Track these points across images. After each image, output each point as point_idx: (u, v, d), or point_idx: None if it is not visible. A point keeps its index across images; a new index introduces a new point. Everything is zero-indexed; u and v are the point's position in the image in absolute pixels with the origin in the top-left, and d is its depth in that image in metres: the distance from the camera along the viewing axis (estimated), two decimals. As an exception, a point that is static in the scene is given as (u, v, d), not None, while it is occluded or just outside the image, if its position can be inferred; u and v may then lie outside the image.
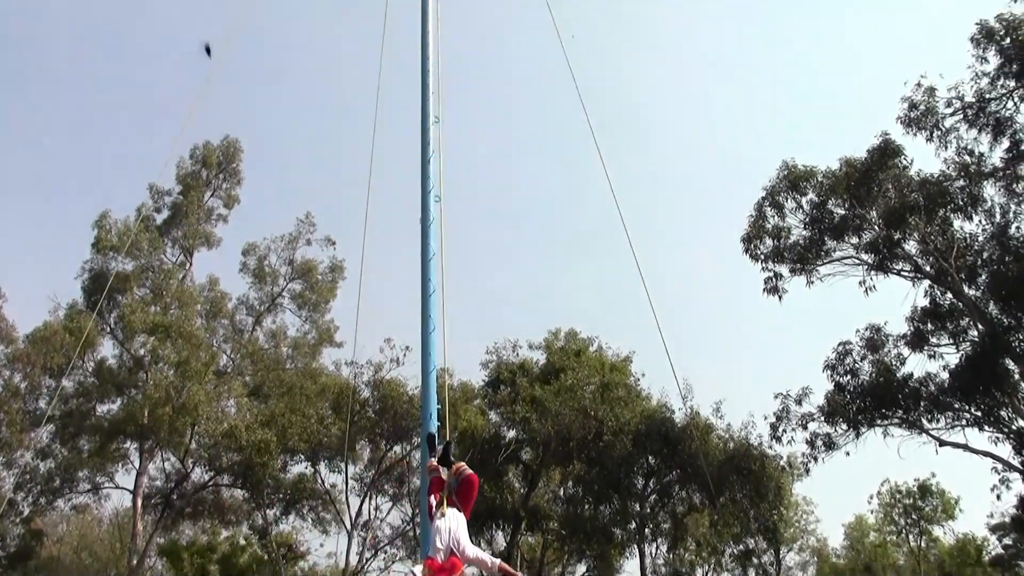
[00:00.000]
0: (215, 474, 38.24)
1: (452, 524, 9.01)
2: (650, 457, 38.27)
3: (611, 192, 13.31)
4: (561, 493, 42.31)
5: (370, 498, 38.60)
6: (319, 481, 38.47)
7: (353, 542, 37.16)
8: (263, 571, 38.77)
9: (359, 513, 37.78)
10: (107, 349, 39.06)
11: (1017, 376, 30.42)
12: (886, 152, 33.10)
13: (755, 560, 42.66)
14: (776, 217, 34.54)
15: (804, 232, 34.22)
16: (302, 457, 37.25)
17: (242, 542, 40.66)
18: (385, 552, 39.66)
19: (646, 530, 39.21)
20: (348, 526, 37.53)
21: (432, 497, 9.39)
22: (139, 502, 37.55)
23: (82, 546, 50.15)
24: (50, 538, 45.63)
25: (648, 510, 39.31)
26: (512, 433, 37.93)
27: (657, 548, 41.72)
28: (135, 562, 36.73)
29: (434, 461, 9.87)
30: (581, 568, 44.14)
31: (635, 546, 38.97)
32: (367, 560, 38.50)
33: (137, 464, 38.23)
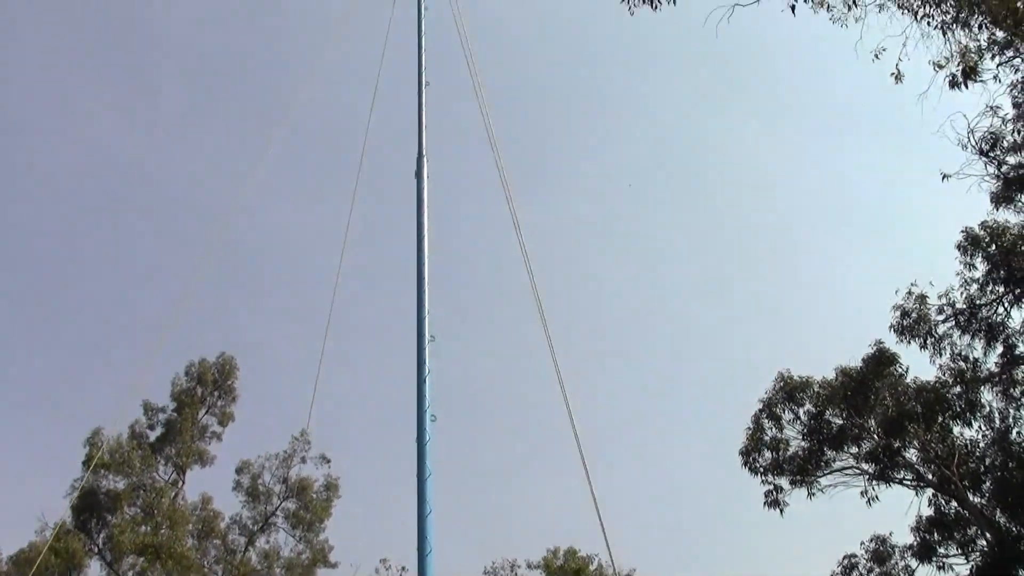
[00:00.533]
0: None
1: None
2: None
3: (569, 418, 13.19)
4: None
5: None
6: None
7: None
8: None
9: None
10: (94, 571, 38.10)
11: (1032, 588, 29.67)
12: (881, 361, 33.17)
13: None
14: (774, 429, 34.32)
15: (803, 443, 33.89)
16: None
17: None
18: None
19: None
20: None
21: None
22: None
23: None
24: None
25: None
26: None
27: None
28: None
29: None
30: None
31: None
32: None
33: None
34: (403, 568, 35.38)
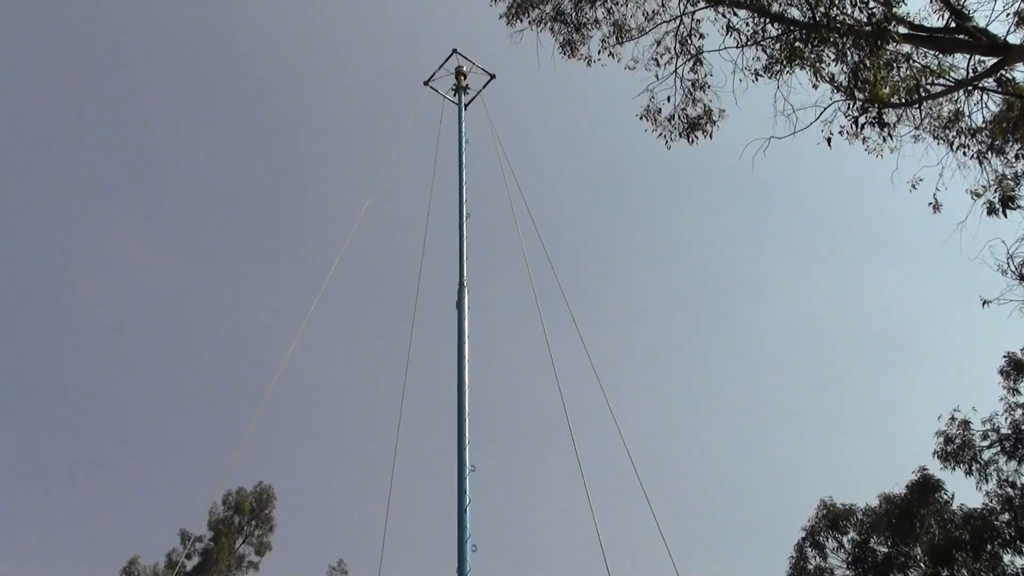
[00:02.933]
0: None
1: None
2: None
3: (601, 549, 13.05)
4: None
5: None
6: None
7: None
8: None
9: None
10: None
11: None
12: (926, 487, 32.68)
13: None
14: (817, 558, 33.82)
15: (847, 572, 33.34)
16: None
17: None
18: None
19: None
20: None
21: None
22: None
23: None
24: None
25: None
26: None
27: None
28: None
29: None
30: None
31: None
32: None
33: None
34: None
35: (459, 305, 14.71)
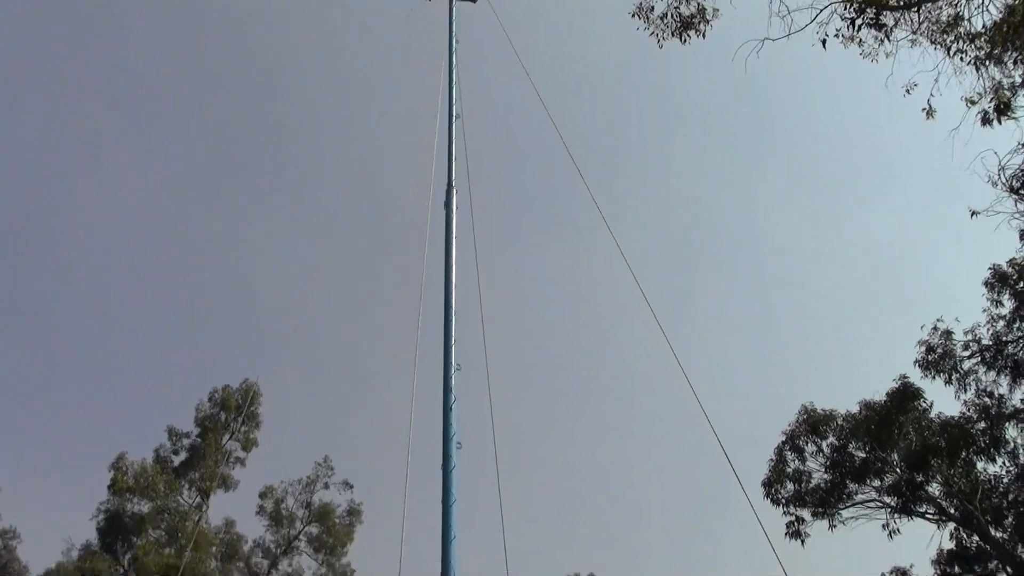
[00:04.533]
0: None
1: None
2: None
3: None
4: None
5: None
6: None
7: None
8: None
9: None
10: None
11: (1053, 625, 29.38)
12: (905, 395, 32.96)
13: None
14: (796, 461, 34.16)
15: (825, 476, 33.74)
16: None
17: None
18: None
19: None
20: None
21: None
22: None
23: None
24: None
25: None
26: None
27: None
28: None
29: None
30: None
31: None
32: None
33: None
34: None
35: (447, 205, 14.74)
